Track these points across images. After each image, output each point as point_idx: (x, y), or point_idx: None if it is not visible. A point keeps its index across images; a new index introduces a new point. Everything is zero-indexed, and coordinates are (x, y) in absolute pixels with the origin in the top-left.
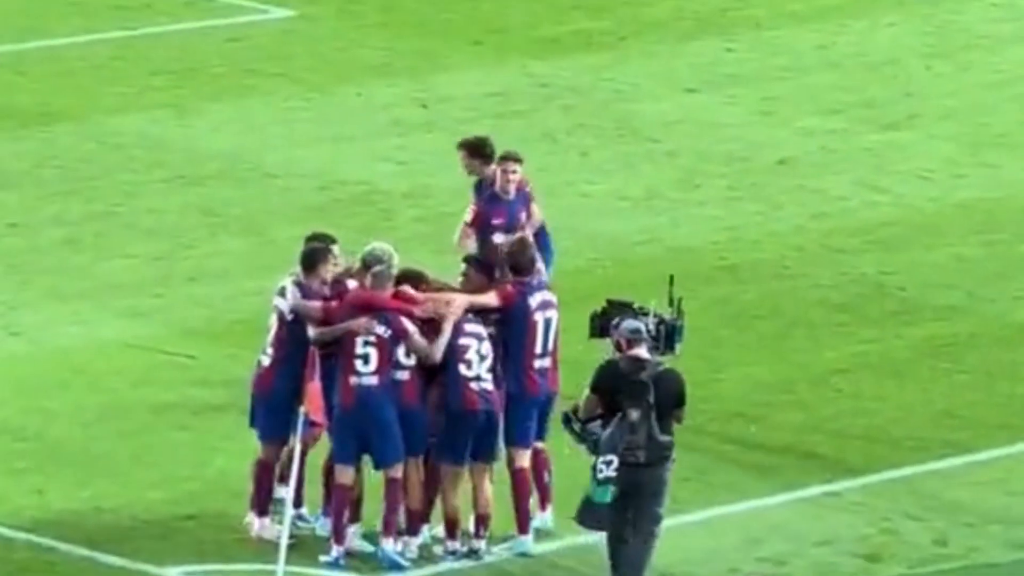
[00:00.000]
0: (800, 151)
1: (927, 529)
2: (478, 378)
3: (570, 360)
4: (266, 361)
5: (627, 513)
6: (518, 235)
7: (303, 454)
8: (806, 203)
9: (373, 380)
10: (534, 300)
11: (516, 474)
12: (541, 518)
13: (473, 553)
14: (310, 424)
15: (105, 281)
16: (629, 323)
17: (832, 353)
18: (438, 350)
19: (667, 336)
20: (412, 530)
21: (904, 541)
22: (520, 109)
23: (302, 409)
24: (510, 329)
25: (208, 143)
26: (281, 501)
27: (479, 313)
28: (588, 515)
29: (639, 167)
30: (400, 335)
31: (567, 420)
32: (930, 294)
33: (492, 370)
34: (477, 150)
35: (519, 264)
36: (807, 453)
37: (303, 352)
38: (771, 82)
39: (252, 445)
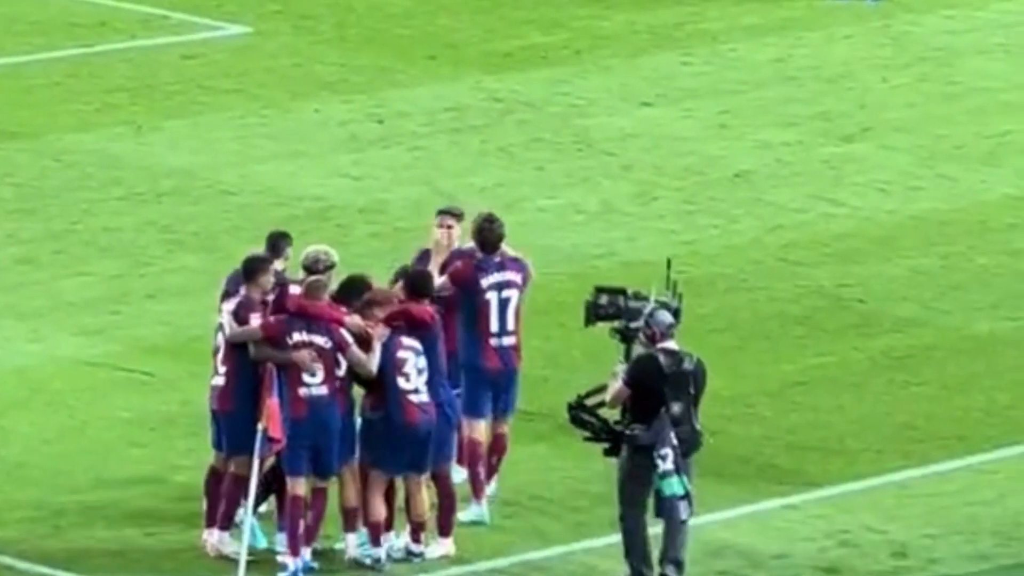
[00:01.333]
0: (756, 164)
1: (886, 541)
2: (416, 391)
3: (531, 377)
4: (220, 381)
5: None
6: (488, 212)
7: (260, 470)
8: (763, 216)
9: (323, 390)
10: (488, 279)
11: (468, 444)
12: (477, 511)
13: (412, 555)
14: (268, 440)
15: (63, 299)
16: (664, 316)
17: (790, 366)
18: (373, 363)
19: (647, 316)
20: (350, 527)
21: (863, 553)
22: (475, 124)
23: (260, 425)
24: (463, 305)
25: (164, 160)
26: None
27: (414, 328)
28: (665, 510)
29: (595, 181)
30: (341, 347)
31: (578, 410)
32: (887, 306)
33: (429, 383)
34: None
35: (486, 241)
36: (765, 466)
37: (254, 365)
38: (727, 95)
39: (210, 462)
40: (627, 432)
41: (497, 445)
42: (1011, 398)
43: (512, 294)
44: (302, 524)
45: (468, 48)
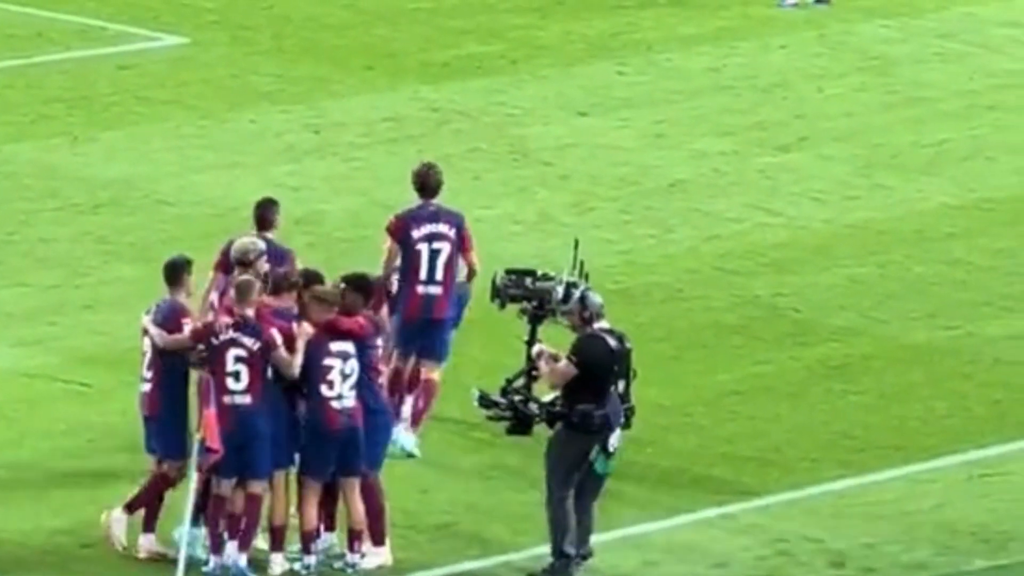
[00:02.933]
0: (692, 174)
1: (823, 551)
2: (340, 397)
3: (468, 386)
4: (146, 387)
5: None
6: (428, 161)
7: (200, 480)
8: (699, 226)
9: (246, 399)
10: (419, 231)
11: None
12: (408, 438)
13: (347, 565)
14: (206, 450)
15: (0, 310)
16: (596, 296)
17: (727, 375)
18: (296, 367)
19: (579, 299)
20: (277, 545)
21: (800, 563)
22: (413, 134)
23: (198, 435)
24: (400, 256)
25: (101, 171)
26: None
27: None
28: (595, 487)
29: (532, 191)
30: (269, 346)
31: (504, 393)
32: (824, 316)
33: (360, 388)
34: None
35: (425, 185)
36: (703, 475)
37: (181, 370)
38: (662, 105)
39: (149, 470)
40: (575, 412)
41: (425, 388)
42: (948, 407)
43: (443, 246)
44: (222, 523)
45: (405, 58)
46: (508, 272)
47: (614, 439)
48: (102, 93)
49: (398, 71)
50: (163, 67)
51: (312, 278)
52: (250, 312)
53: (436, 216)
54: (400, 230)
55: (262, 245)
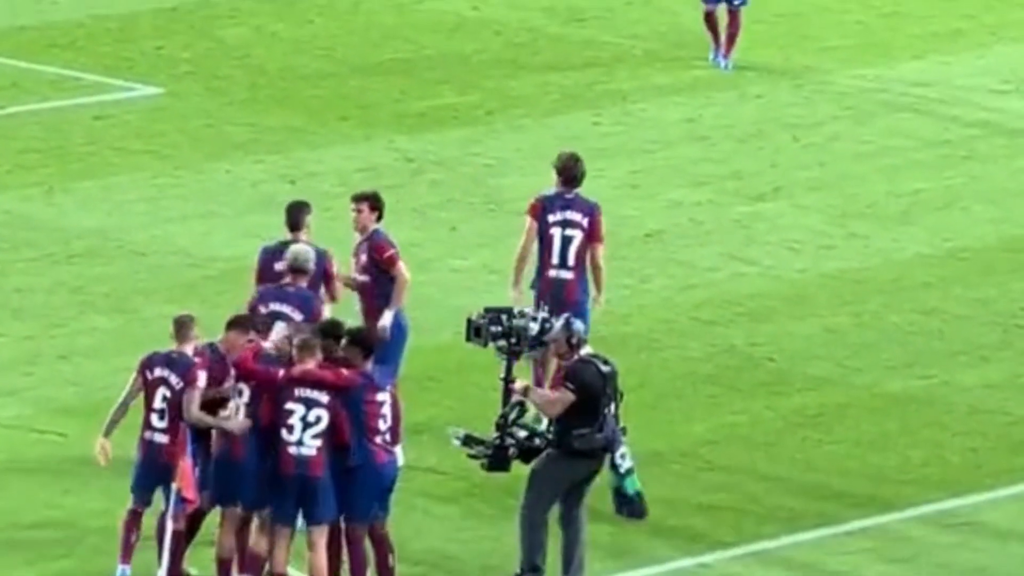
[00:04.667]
0: (668, 223)
1: None
2: (299, 443)
3: (444, 436)
4: (162, 437)
5: (571, 500)
6: (574, 151)
7: (175, 530)
8: (674, 275)
9: (163, 438)
10: (554, 215)
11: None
12: None
13: None
14: (182, 500)
15: None
16: (579, 323)
17: (702, 425)
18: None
19: (565, 326)
20: None
21: None
22: (388, 184)
23: (174, 486)
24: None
25: (77, 221)
26: None
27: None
28: (627, 507)
29: (508, 241)
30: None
31: (502, 429)
32: (800, 365)
33: (321, 435)
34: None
35: (567, 174)
36: (678, 525)
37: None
38: (638, 155)
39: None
40: (576, 437)
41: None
42: (925, 456)
43: (575, 233)
44: (132, 536)
45: (380, 109)
46: (486, 310)
47: (621, 455)
48: (77, 143)
49: (373, 121)
50: (138, 117)
51: (330, 330)
52: (187, 349)
53: (571, 204)
54: (538, 212)
55: (312, 252)
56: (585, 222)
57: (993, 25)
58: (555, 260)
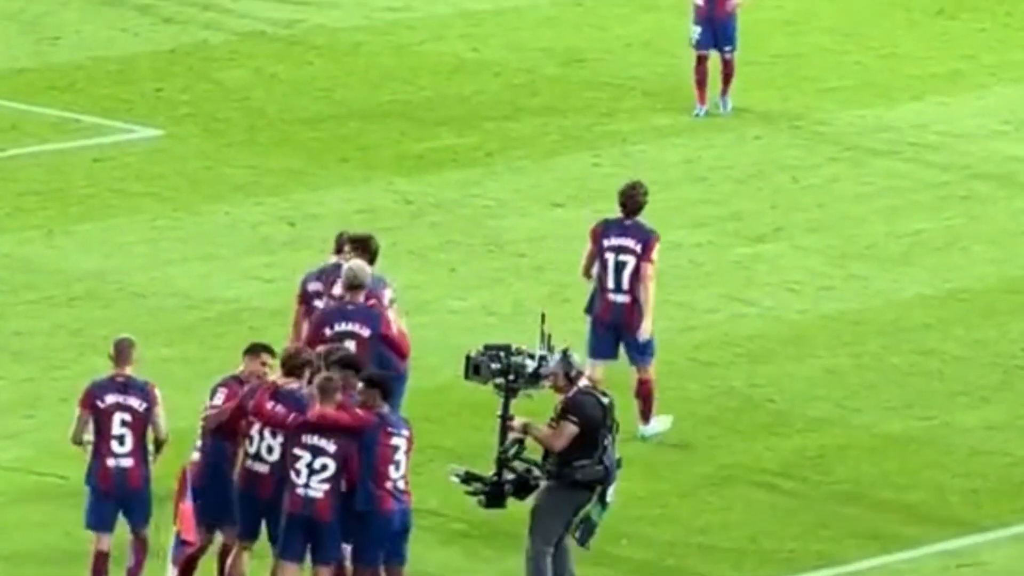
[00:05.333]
0: (668, 265)
1: None
2: (306, 485)
3: (439, 475)
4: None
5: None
6: (635, 180)
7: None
8: (674, 317)
9: (129, 462)
10: (609, 241)
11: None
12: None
13: None
14: (182, 543)
15: None
16: (575, 356)
17: (702, 466)
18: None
19: (562, 360)
20: None
21: None
22: (388, 226)
23: (175, 528)
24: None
25: (77, 263)
26: None
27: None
28: (582, 532)
29: (507, 282)
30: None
31: (503, 465)
32: (799, 406)
33: (330, 480)
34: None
35: (626, 203)
36: (678, 566)
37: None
38: None
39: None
40: (578, 469)
41: (641, 388)
42: (925, 497)
43: (628, 259)
44: None
45: (379, 150)
46: (485, 347)
47: (612, 491)
48: (77, 185)
49: (372, 163)
50: (137, 159)
51: (349, 362)
52: (129, 371)
53: (627, 231)
54: (596, 236)
55: (367, 267)
56: (639, 248)
57: (992, 66)
58: (611, 284)
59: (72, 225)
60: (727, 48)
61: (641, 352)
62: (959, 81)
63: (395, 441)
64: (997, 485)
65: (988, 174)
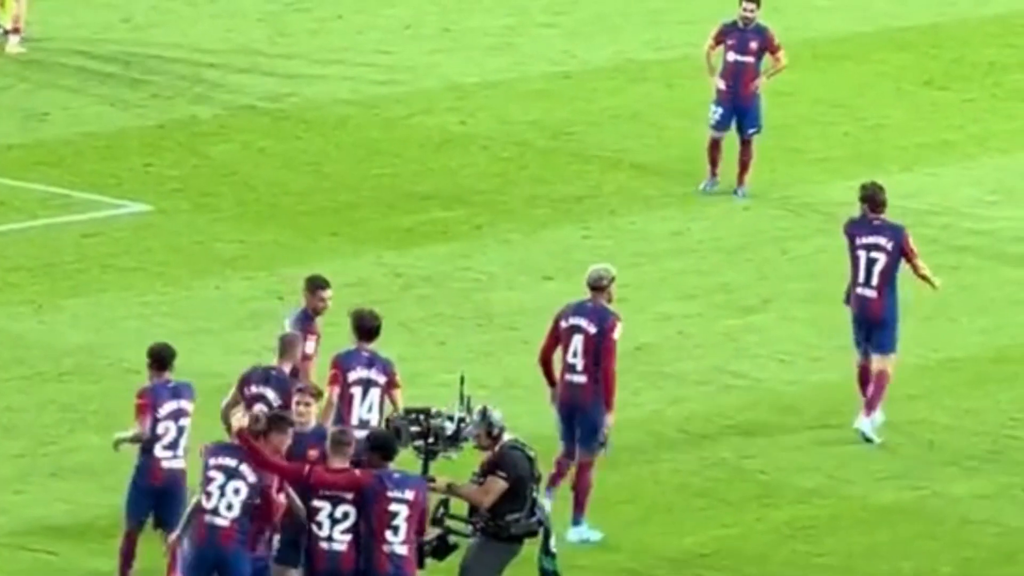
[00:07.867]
0: (657, 337)
1: None
2: (329, 538)
3: None
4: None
5: None
6: (875, 181)
7: None
8: (664, 388)
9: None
10: (861, 239)
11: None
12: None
13: None
14: None
15: None
16: (496, 415)
17: (693, 538)
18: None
19: (481, 419)
20: None
21: None
22: (377, 299)
23: None
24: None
25: (66, 339)
26: None
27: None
28: None
29: (497, 356)
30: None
31: (439, 520)
32: (790, 477)
33: (350, 530)
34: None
35: (872, 201)
36: None
37: None
38: (627, 268)
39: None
40: (511, 523)
41: (877, 378)
42: (916, 567)
43: (879, 256)
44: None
45: (368, 224)
46: (406, 411)
47: (552, 540)
48: (67, 261)
49: (362, 236)
50: (127, 234)
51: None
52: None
53: (879, 229)
54: (847, 235)
55: (613, 271)
56: (890, 245)
57: (980, 136)
58: (861, 279)
59: (62, 300)
60: (751, 131)
61: (887, 344)
62: (947, 152)
63: (393, 507)
64: (989, 555)
65: (976, 244)
